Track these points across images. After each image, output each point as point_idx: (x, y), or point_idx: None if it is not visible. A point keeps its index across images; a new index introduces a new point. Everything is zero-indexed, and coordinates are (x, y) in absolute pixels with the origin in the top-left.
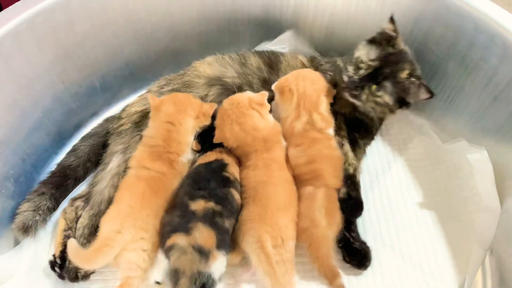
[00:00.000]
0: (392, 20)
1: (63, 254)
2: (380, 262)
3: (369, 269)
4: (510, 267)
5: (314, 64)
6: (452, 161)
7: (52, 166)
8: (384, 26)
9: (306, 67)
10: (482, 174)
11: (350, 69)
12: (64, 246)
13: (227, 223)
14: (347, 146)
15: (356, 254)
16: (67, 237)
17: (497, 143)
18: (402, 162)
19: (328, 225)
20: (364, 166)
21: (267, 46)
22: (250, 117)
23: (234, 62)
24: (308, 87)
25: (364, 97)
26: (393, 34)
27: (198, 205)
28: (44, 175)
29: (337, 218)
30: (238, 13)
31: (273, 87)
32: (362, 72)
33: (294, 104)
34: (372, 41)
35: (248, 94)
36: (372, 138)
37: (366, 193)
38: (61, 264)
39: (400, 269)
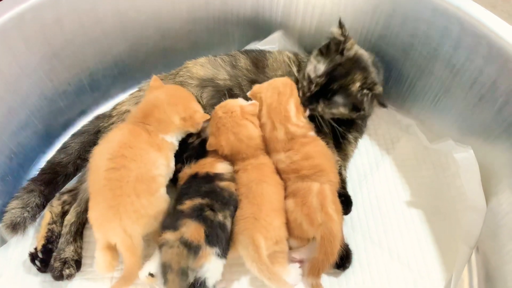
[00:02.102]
0: (340, 24)
1: (45, 249)
2: (368, 260)
3: (358, 267)
4: (496, 265)
5: (298, 59)
6: (439, 160)
7: (40, 165)
8: (332, 30)
9: (293, 62)
10: (468, 173)
11: (305, 83)
12: (47, 240)
13: (220, 216)
14: (331, 144)
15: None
16: (50, 231)
17: (483, 143)
18: (390, 162)
19: (339, 221)
20: (352, 166)
21: (256, 46)
22: (245, 127)
23: (226, 64)
24: (275, 99)
25: (320, 109)
26: (341, 38)
27: (185, 205)
28: (32, 174)
29: (341, 216)
30: (227, 13)
31: (248, 93)
32: (313, 88)
33: (265, 114)
34: (321, 52)
35: (240, 102)
36: (361, 131)
37: (355, 192)
38: (42, 258)
39: (388, 267)
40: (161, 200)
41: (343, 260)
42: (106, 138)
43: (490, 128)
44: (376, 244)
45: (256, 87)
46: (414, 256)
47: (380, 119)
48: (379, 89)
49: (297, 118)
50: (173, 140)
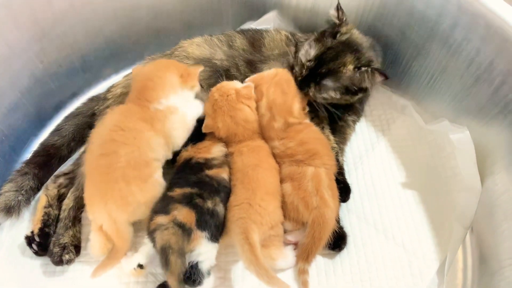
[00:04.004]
0: (337, 7)
1: (42, 232)
2: (363, 241)
3: (353, 248)
4: (490, 245)
5: (295, 38)
6: (435, 141)
7: (32, 147)
8: (330, 12)
9: (290, 41)
10: (464, 153)
11: (297, 69)
12: (44, 223)
13: (210, 203)
14: (327, 130)
15: (333, 236)
16: (47, 214)
17: (479, 123)
18: (385, 143)
19: (334, 207)
20: (347, 147)
21: (251, 26)
22: (241, 111)
23: (223, 44)
24: (278, 97)
25: (311, 94)
26: (337, 21)
27: (175, 192)
28: (24, 157)
29: (338, 202)
30: None
31: (247, 80)
32: (304, 73)
33: (265, 107)
34: (316, 38)
35: (235, 84)
36: (359, 114)
37: (350, 174)
38: (39, 242)
39: (383, 248)
40: (155, 185)
41: (339, 242)
42: (101, 121)
43: (486, 109)
44: (371, 225)
45: (257, 77)
46: (409, 236)
47: (375, 100)
48: (376, 65)
49: (298, 113)
50: (175, 101)
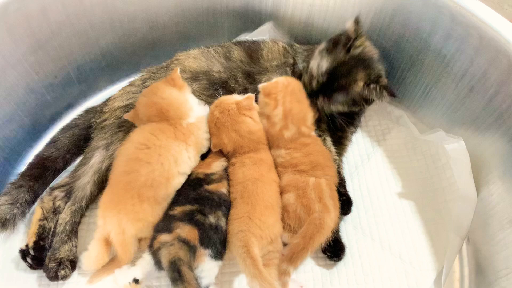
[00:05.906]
0: (356, 20)
1: (37, 245)
2: (360, 252)
3: (349, 258)
4: (486, 255)
5: (293, 50)
6: (430, 151)
7: (27, 159)
8: (347, 25)
9: (288, 52)
10: (459, 163)
11: (306, 78)
12: (39, 236)
13: (212, 218)
14: (329, 141)
15: (332, 245)
16: (42, 227)
17: (474, 133)
18: (381, 153)
19: (334, 216)
20: (343, 158)
21: (246, 37)
22: (244, 123)
23: (220, 56)
24: (295, 105)
25: (318, 104)
26: (352, 36)
27: (176, 211)
28: (19, 168)
29: (338, 212)
30: (216, 3)
31: (260, 87)
32: (314, 84)
33: (280, 115)
34: (327, 48)
35: (235, 98)
36: (357, 125)
37: (346, 184)
38: (34, 255)
39: (380, 258)
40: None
41: (339, 251)
42: (129, 137)
43: (480, 119)
44: (368, 235)
45: (271, 85)
46: (405, 247)
47: (371, 110)
48: (384, 81)
49: (310, 123)
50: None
